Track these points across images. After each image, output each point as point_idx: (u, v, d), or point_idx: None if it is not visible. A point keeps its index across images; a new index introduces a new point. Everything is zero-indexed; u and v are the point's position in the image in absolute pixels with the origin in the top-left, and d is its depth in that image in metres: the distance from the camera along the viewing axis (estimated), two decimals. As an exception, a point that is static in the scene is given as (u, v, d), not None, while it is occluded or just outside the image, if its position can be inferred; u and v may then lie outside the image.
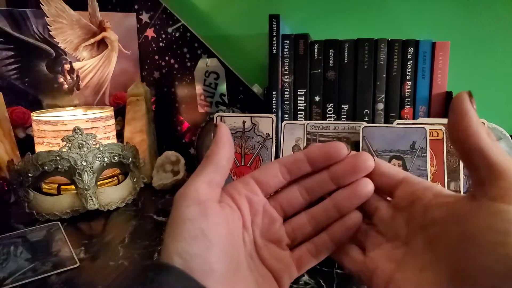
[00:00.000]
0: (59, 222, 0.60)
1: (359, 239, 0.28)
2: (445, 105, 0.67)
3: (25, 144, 0.76)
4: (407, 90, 0.68)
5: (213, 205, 0.25)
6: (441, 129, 0.57)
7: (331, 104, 0.69)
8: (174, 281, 0.21)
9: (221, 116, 0.61)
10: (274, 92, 0.69)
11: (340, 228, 0.28)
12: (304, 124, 0.61)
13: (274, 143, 0.60)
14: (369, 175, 0.27)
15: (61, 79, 0.84)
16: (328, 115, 0.70)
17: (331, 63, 0.68)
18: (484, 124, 0.23)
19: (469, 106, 0.22)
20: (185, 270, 0.22)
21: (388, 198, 0.28)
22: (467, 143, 0.22)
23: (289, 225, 0.29)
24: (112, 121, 0.74)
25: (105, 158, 0.64)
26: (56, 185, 0.67)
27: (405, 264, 0.25)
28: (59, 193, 0.66)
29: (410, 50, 0.67)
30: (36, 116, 0.68)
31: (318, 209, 0.28)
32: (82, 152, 0.62)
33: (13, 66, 0.80)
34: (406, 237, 0.25)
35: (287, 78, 0.69)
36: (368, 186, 0.27)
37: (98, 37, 0.85)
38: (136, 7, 0.87)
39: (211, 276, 0.22)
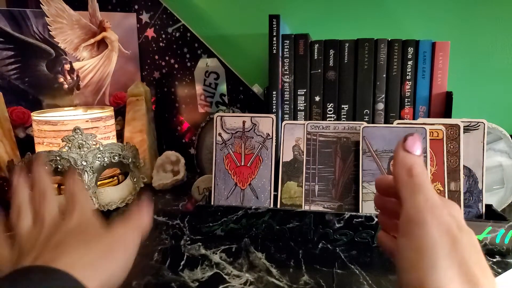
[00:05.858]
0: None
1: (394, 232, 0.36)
2: (445, 105, 0.67)
3: (25, 144, 0.76)
4: (407, 90, 0.68)
5: None
6: (441, 129, 0.57)
7: (331, 104, 0.69)
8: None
9: (221, 116, 0.61)
10: (274, 92, 0.69)
11: None
12: (304, 124, 0.61)
13: (274, 143, 0.60)
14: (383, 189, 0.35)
15: (61, 79, 0.84)
16: (328, 115, 0.70)
17: (331, 63, 0.68)
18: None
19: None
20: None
21: None
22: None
23: None
24: (112, 121, 0.74)
25: (105, 158, 0.64)
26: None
27: None
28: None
29: (410, 50, 0.67)
30: (36, 116, 0.68)
31: None
32: (82, 152, 0.62)
33: (13, 66, 0.80)
34: None
35: (287, 78, 0.69)
36: None
37: (98, 37, 0.85)
38: (136, 7, 0.87)
39: None
